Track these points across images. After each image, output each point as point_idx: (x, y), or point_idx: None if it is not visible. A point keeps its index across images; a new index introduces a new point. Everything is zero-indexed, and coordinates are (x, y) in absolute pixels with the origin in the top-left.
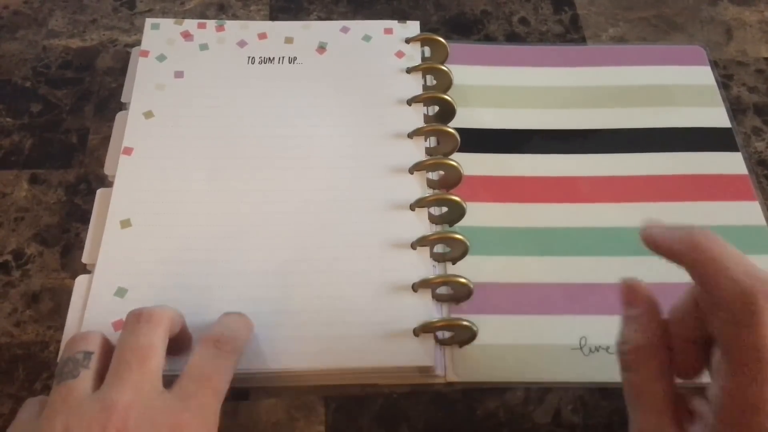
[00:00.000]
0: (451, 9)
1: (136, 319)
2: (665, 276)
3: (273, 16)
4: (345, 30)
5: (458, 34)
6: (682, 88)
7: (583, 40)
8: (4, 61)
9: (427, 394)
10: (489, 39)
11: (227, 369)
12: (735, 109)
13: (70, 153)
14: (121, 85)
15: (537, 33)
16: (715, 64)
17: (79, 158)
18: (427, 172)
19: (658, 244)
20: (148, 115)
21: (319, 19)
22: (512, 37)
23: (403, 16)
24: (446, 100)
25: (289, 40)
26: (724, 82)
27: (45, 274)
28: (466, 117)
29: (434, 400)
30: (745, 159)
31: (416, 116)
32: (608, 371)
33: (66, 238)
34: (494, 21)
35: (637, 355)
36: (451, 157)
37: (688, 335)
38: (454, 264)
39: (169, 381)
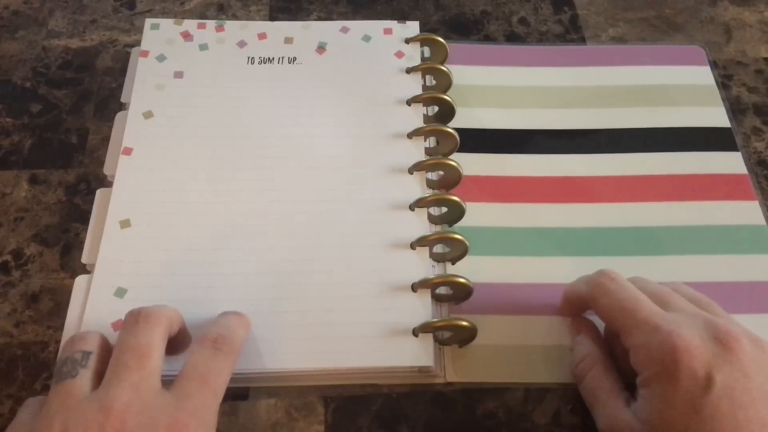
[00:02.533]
0: (451, 9)
1: (135, 318)
2: (666, 275)
3: (273, 16)
4: (345, 30)
5: (458, 34)
6: (681, 88)
7: (582, 40)
8: (4, 61)
9: (426, 394)
10: (489, 39)
11: (225, 368)
12: (735, 109)
13: (69, 153)
14: (121, 85)
15: (537, 33)
16: (714, 64)
17: (78, 158)
18: (427, 172)
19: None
20: (148, 115)
21: (319, 19)
22: (512, 37)
23: (403, 16)
24: (446, 100)
25: (288, 40)
26: (724, 82)
27: (45, 274)
28: (466, 117)
29: (434, 400)
30: (744, 159)
31: (416, 116)
32: None
33: (66, 238)
34: (494, 21)
35: (585, 361)
36: (450, 157)
37: (621, 348)
38: (453, 264)
39: (168, 381)
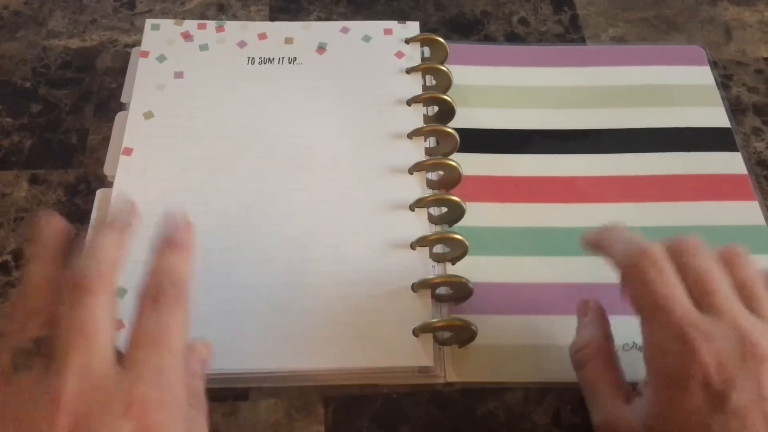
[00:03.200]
0: (451, 9)
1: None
2: None
3: (273, 17)
4: (345, 30)
5: (458, 34)
6: (681, 88)
7: (582, 41)
8: (4, 61)
9: (426, 394)
10: (489, 39)
11: (177, 322)
12: (735, 109)
13: (70, 153)
14: (121, 85)
15: (537, 33)
16: (714, 64)
17: (79, 158)
18: (427, 172)
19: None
20: (148, 115)
21: (319, 19)
22: (512, 38)
23: (403, 16)
24: (446, 101)
25: (289, 41)
26: (724, 82)
27: None
28: (466, 117)
29: (434, 400)
30: (744, 159)
31: (416, 116)
32: None
33: None
34: (494, 21)
35: (588, 350)
36: (450, 157)
37: None
38: (453, 264)
39: None
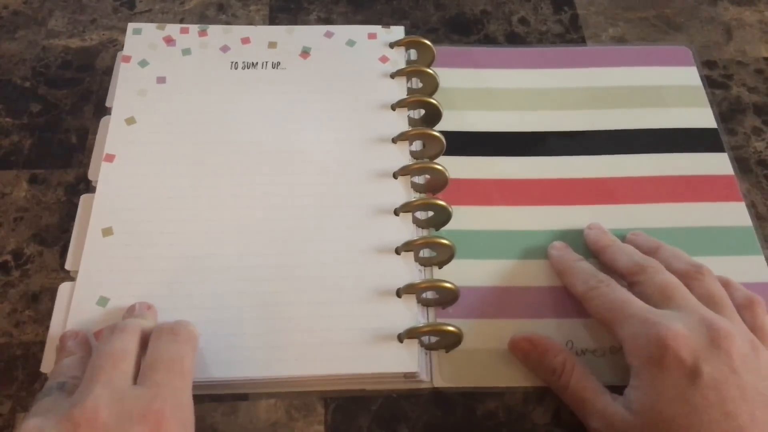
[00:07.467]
0: (451, 9)
1: (110, 330)
2: None
3: (273, 16)
4: (329, 35)
5: (458, 34)
6: (668, 89)
7: (582, 40)
8: (4, 61)
9: (426, 394)
10: (489, 39)
11: (188, 352)
12: (734, 109)
13: (69, 153)
14: None
15: (536, 33)
16: (714, 64)
17: (78, 158)
18: (413, 176)
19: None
20: (130, 121)
21: (319, 18)
22: (512, 37)
23: (402, 16)
24: (431, 104)
25: (272, 45)
26: (724, 81)
27: (44, 274)
28: (454, 120)
29: (433, 400)
30: (731, 159)
31: (400, 121)
32: (596, 373)
33: (65, 238)
34: (494, 21)
35: (565, 368)
36: (437, 160)
37: None
38: (440, 268)
39: None
